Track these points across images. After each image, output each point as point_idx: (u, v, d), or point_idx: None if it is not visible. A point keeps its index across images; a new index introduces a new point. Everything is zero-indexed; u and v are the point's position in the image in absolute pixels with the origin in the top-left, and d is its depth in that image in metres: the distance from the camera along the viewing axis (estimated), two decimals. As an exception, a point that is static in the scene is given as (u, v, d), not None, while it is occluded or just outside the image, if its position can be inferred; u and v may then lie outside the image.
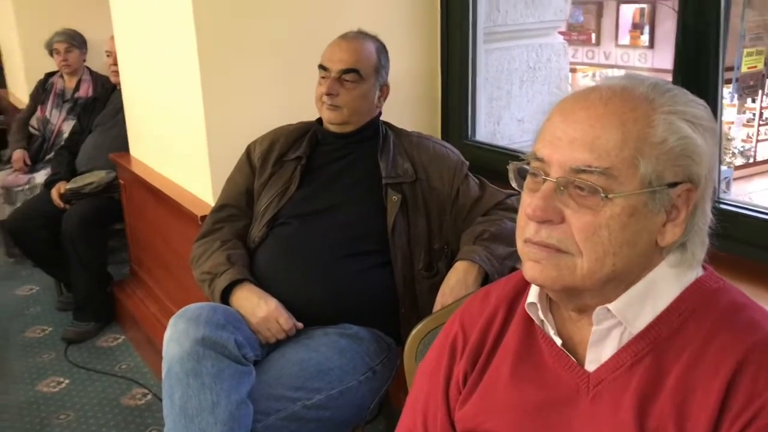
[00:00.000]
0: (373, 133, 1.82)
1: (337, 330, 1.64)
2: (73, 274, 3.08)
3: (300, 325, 1.63)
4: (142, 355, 2.84)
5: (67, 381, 2.70)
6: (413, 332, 1.25)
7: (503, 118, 2.55)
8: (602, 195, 0.81)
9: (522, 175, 0.90)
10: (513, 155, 2.14)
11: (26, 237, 3.22)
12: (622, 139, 0.81)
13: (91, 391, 2.62)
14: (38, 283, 3.57)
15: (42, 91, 3.92)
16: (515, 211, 1.73)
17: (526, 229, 0.87)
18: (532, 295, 0.93)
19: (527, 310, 0.94)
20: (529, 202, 0.86)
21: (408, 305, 1.71)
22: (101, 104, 3.43)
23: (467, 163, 1.83)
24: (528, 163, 0.89)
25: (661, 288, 0.85)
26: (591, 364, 0.87)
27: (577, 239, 0.83)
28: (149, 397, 2.57)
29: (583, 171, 0.82)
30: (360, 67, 1.74)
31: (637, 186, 0.81)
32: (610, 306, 0.85)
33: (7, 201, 3.63)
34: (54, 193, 3.15)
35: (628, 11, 12.29)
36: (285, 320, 1.61)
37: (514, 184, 0.92)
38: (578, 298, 0.88)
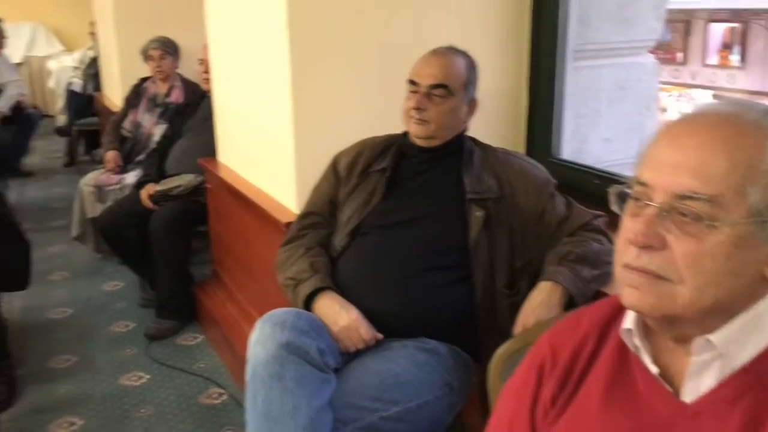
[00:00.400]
0: (459, 148, 1.82)
1: (416, 343, 1.65)
2: (158, 272, 3.19)
3: (380, 336, 1.65)
4: (219, 355, 2.92)
5: (148, 376, 2.80)
6: (499, 352, 1.25)
7: (589, 137, 2.51)
8: (707, 223, 0.79)
9: (623, 198, 0.89)
10: (600, 175, 2.12)
11: (115, 235, 3.35)
12: (730, 166, 0.79)
13: (170, 388, 2.71)
14: (123, 279, 3.71)
15: (135, 95, 4.09)
16: (602, 233, 1.72)
17: (625, 253, 0.85)
18: (628, 321, 0.91)
19: (622, 336, 0.92)
20: (630, 227, 0.84)
21: (487, 323, 1.70)
22: (192, 110, 3.56)
23: (554, 181, 1.81)
24: (630, 187, 0.88)
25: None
26: (688, 396, 0.85)
27: (679, 266, 0.81)
28: (225, 397, 2.63)
29: (688, 197, 0.80)
30: (449, 83, 1.75)
31: (745, 215, 0.79)
32: (711, 337, 0.82)
33: (99, 199, 3.79)
34: (143, 194, 3.28)
35: (717, 30, 11.92)
36: (365, 330, 1.63)
37: (614, 208, 0.90)
38: (677, 326, 0.85)
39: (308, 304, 1.69)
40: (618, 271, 0.88)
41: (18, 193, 5.39)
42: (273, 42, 2.22)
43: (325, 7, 2.13)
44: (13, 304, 3.40)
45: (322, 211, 1.88)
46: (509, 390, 1.06)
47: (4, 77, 5.61)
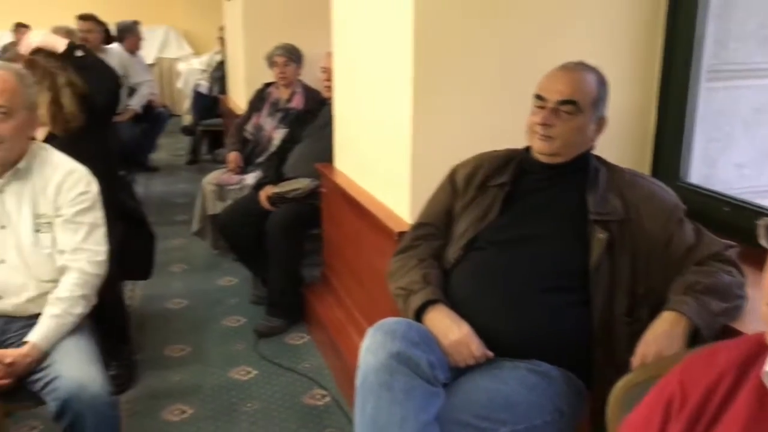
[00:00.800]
0: (583, 167, 1.77)
1: (527, 365, 1.61)
2: (271, 272, 3.29)
3: (490, 354, 1.62)
4: (324, 357, 2.97)
5: (255, 372, 2.88)
6: (621, 383, 1.20)
7: (719, 161, 2.38)
8: None
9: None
10: (732, 202, 2.01)
11: (233, 232, 3.48)
12: None
13: (276, 385, 2.78)
14: (237, 275, 3.84)
15: (259, 99, 4.23)
16: (734, 264, 1.62)
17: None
18: (773, 363, 0.85)
19: (764, 378, 0.86)
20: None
21: (604, 350, 1.63)
22: (311, 116, 3.65)
23: (684, 206, 1.72)
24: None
25: None
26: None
27: None
28: (328, 399, 2.68)
29: None
30: (578, 99, 1.71)
31: None
32: None
33: (219, 198, 3.95)
34: (262, 195, 3.39)
35: None
36: (476, 347, 1.61)
37: (763, 242, 0.85)
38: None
39: (419, 315, 1.68)
40: (764, 310, 0.82)
41: (144, 187, 5.70)
42: (396, 51, 2.25)
43: (451, 18, 2.13)
44: (135, 292, 3.60)
45: (436, 223, 1.88)
46: (632, 424, 1.01)
47: (139, 77, 5.97)
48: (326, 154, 3.22)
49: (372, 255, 2.52)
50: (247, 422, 2.53)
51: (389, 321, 1.59)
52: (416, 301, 1.68)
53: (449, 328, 1.62)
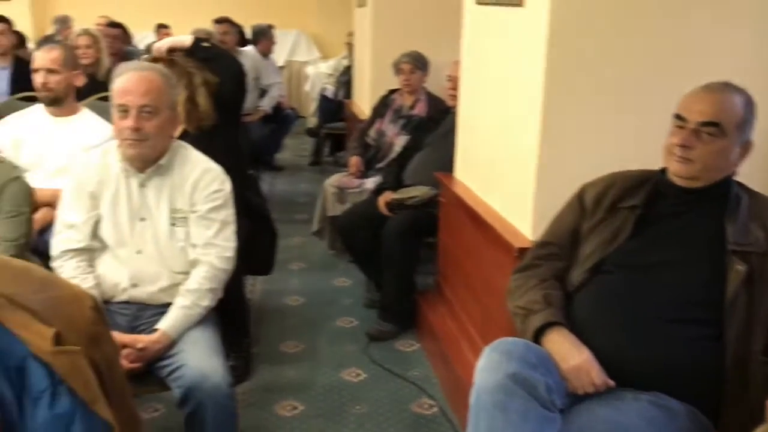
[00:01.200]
0: (724, 193, 1.67)
1: (650, 397, 1.53)
2: (385, 276, 3.32)
3: (611, 383, 1.56)
4: (433, 366, 2.96)
5: (365, 375, 2.92)
6: (760, 429, 1.11)
7: None
8: None
9: None
10: None
11: (350, 234, 3.54)
12: None
13: (384, 390, 2.80)
14: (352, 277, 3.91)
15: (383, 105, 4.29)
16: None
17: None
18: None
19: None
20: None
21: (736, 389, 1.53)
22: (434, 125, 3.66)
23: (837, 242, 1.59)
24: None
25: None
26: None
27: None
28: (435, 409, 2.67)
29: None
30: (722, 121, 1.61)
31: None
32: None
33: (339, 200, 4.03)
34: (380, 201, 3.43)
35: None
36: (597, 374, 1.55)
37: None
38: None
39: (537, 337, 1.64)
40: None
41: (269, 185, 5.91)
42: (527, 64, 2.21)
43: (585, 33, 2.08)
44: (256, 286, 3.73)
45: (561, 242, 1.83)
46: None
47: (270, 79, 6.20)
48: (447, 163, 3.21)
49: (489, 269, 2.49)
50: (355, 424, 2.56)
51: (506, 341, 1.56)
52: (535, 321, 1.64)
53: (569, 353, 1.57)
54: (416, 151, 3.65)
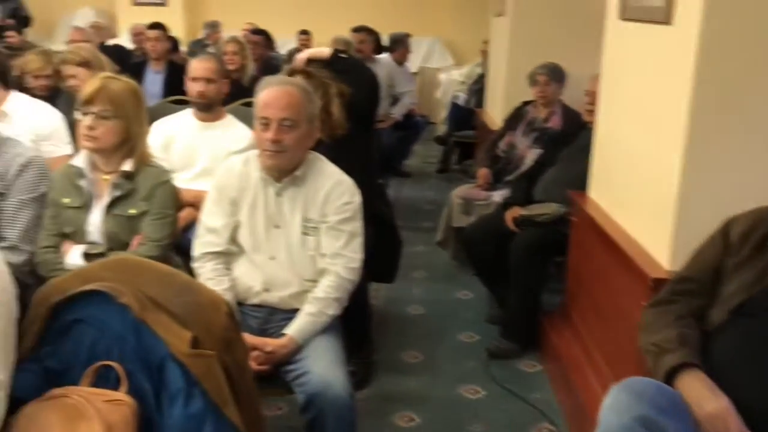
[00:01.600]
0: None
1: (795, 455, 1.42)
2: (510, 293, 3.27)
3: (751, 435, 1.45)
4: (555, 391, 2.88)
5: (484, 392, 2.88)
6: None
7: None
8: None
9: None
10: None
11: (475, 247, 3.52)
12: None
13: (503, 411, 2.75)
14: (474, 290, 3.87)
15: (515, 117, 4.22)
16: None
17: None
18: None
19: None
20: None
21: None
22: (568, 139, 3.56)
23: None
24: None
25: None
26: None
27: None
28: (555, 436, 2.60)
29: None
30: None
31: None
32: None
33: (465, 211, 4.01)
34: (508, 216, 3.38)
35: None
36: (735, 424, 1.45)
37: None
38: None
39: (670, 377, 1.56)
40: None
41: (395, 191, 5.97)
42: (672, 84, 2.11)
43: (737, 51, 1.95)
44: (379, 293, 3.78)
45: (701, 279, 1.72)
46: None
47: (403, 87, 6.27)
48: (579, 181, 3.11)
49: (620, 296, 2.39)
50: (471, 443, 2.54)
51: (636, 380, 1.49)
52: (669, 361, 1.56)
53: (705, 398, 1.48)
54: (548, 166, 3.56)
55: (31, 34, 8.07)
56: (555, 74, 4.02)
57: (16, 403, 1.42)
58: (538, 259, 3.21)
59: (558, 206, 3.25)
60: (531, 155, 3.92)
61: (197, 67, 3.09)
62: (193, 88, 3.07)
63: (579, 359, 2.73)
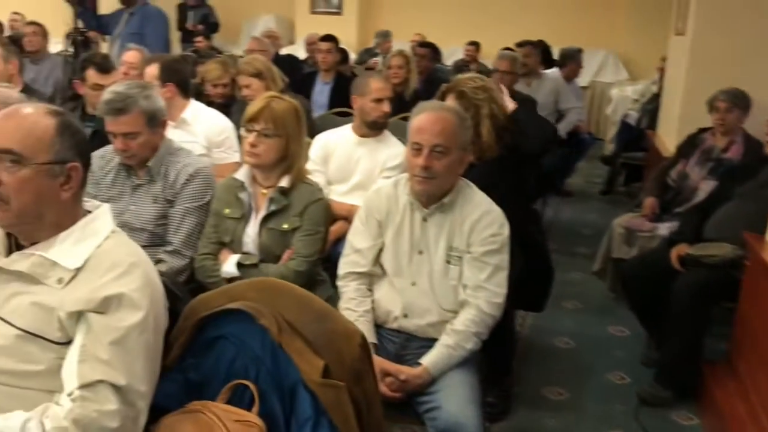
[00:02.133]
0: None
1: None
2: (669, 336, 3.02)
3: None
4: (711, 450, 2.64)
5: (631, 441, 2.70)
6: None
7: None
8: None
9: None
10: None
11: (635, 283, 3.29)
12: None
13: (650, 464, 2.56)
14: (630, 327, 3.63)
15: (690, 145, 3.92)
16: None
17: None
18: None
19: None
20: None
21: None
22: (750, 173, 3.24)
23: None
24: None
25: None
26: None
27: None
28: (708, 501, 2.37)
29: None
30: None
31: None
32: None
33: (626, 242, 3.78)
34: (673, 253, 3.13)
35: None
36: None
37: None
38: None
39: None
40: None
41: (554, 211, 5.77)
42: None
43: None
44: (526, 321, 3.65)
45: None
46: None
47: (569, 103, 6.02)
48: (759, 221, 2.83)
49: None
50: (612, 497, 2.38)
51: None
52: None
53: None
54: (724, 201, 3.26)
55: (217, 39, 8.69)
56: (738, 101, 3.69)
57: (157, 410, 1.49)
58: (703, 303, 2.95)
59: (732, 248, 2.96)
60: (705, 187, 3.62)
61: (382, 87, 3.14)
62: (378, 108, 3.12)
63: (742, 417, 2.48)
